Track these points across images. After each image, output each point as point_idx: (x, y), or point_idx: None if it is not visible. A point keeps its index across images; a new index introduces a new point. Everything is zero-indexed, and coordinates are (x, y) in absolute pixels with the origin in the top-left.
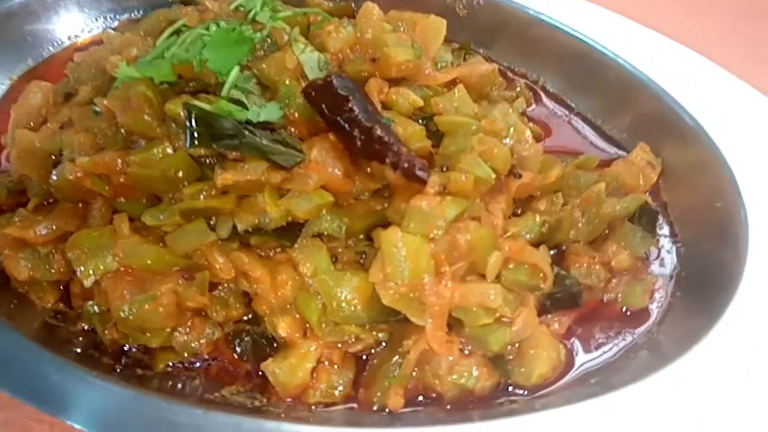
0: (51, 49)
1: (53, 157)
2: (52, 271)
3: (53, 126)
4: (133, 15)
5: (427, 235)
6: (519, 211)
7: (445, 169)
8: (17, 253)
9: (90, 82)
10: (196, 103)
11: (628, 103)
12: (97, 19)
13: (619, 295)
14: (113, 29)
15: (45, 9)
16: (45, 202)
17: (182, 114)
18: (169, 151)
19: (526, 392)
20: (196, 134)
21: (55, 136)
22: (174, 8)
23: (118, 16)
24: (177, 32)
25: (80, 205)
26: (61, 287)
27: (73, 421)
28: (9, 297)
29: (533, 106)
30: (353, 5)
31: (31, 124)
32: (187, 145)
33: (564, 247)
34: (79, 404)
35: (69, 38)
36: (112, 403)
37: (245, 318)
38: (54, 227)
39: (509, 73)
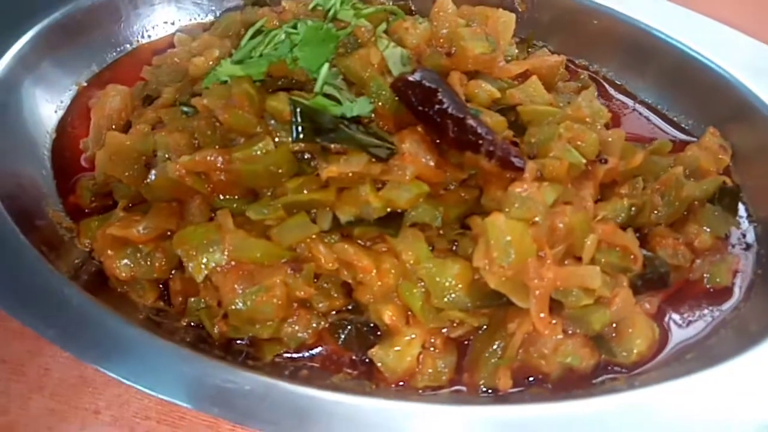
0: (114, 54)
1: (144, 158)
2: (154, 269)
3: (142, 127)
4: (193, 19)
5: (529, 220)
6: (600, 198)
7: (532, 156)
8: (119, 253)
9: (172, 84)
10: (299, 99)
11: (691, 89)
12: (155, 27)
13: (705, 275)
14: (181, 32)
15: (106, 14)
16: (131, 204)
17: (288, 109)
18: (272, 146)
19: (625, 370)
20: (300, 129)
21: (147, 138)
22: (247, 10)
23: (175, 23)
24: (257, 33)
25: (173, 204)
26: (160, 285)
27: (200, 408)
28: (109, 297)
29: (597, 96)
30: (410, 3)
31: (113, 126)
32: (293, 139)
33: (646, 231)
34: (203, 392)
35: (130, 43)
36: (237, 389)
37: (346, 308)
38: (155, 226)
39: (571, 65)
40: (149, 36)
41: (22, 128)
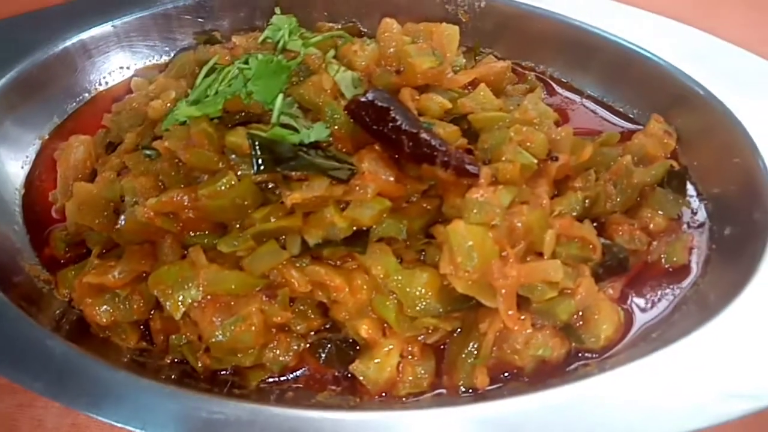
0: (74, 104)
1: (112, 204)
2: (133, 311)
3: (107, 175)
4: (148, 62)
5: (488, 224)
6: (556, 193)
7: (486, 162)
8: (98, 300)
9: (133, 129)
10: (257, 131)
11: (633, 80)
12: (111, 73)
13: (662, 255)
14: (137, 76)
15: (62, 67)
16: (104, 250)
17: (246, 143)
18: (235, 180)
19: (595, 355)
20: (260, 161)
21: (113, 184)
22: (199, 49)
23: (130, 67)
24: (211, 71)
25: (145, 246)
26: (141, 326)
27: None
28: (93, 343)
29: (545, 95)
30: (359, 24)
31: (79, 176)
32: (254, 171)
33: (603, 220)
34: (192, 426)
35: (88, 92)
36: (225, 419)
37: (324, 327)
38: (129, 269)
39: (518, 68)
40: (106, 83)
41: None
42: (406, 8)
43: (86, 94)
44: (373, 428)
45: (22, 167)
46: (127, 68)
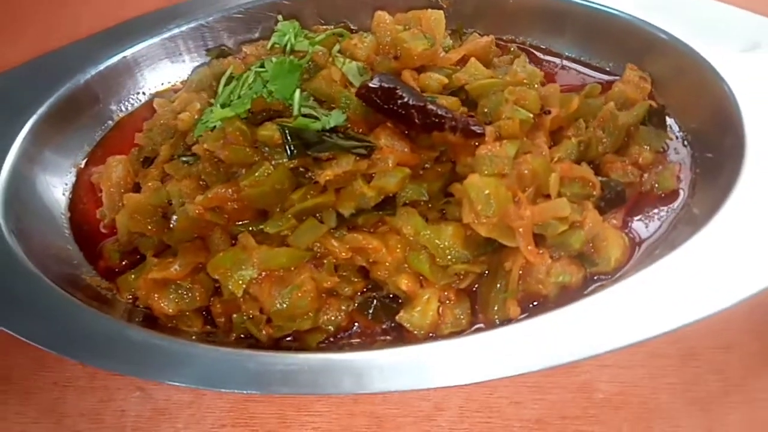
0: (100, 131)
1: (160, 210)
2: (195, 299)
3: (153, 184)
4: (161, 84)
5: (499, 174)
6: (553, 143)
7: (487, 123)
8: (163, 293)
9: (166, 142)
10: (285, 123)
11: (605, 36)
12: (130, 99)
13: (654, 184)
14: (158, 97)
15: (86, 99)
16: (156, 253)
17: (276, 135)
18: (271, 169)
19: (609, 276)
20: (292, 147)
21: (159, 191)
22: (213, 63)
23: (146, 92)
24: (229, 80)
25: (196, 241)
26: (203, 312)
27: (271, 391)
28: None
29: (528, 62)
30: (349, 24)
31: (122, 191)
32: (288, 157)
33: (597, 162)
34: (270, 378)
35: (111, 119)
36: (299, 369)
37: (367, 288)
38: (187, 262)
39: (500, 42)
40: (127, 108)
41: (41, 215)
42: (391, 3)
43: (110, 121)
44: (427, 356)
45: (63, 194)
46: (143, 93)
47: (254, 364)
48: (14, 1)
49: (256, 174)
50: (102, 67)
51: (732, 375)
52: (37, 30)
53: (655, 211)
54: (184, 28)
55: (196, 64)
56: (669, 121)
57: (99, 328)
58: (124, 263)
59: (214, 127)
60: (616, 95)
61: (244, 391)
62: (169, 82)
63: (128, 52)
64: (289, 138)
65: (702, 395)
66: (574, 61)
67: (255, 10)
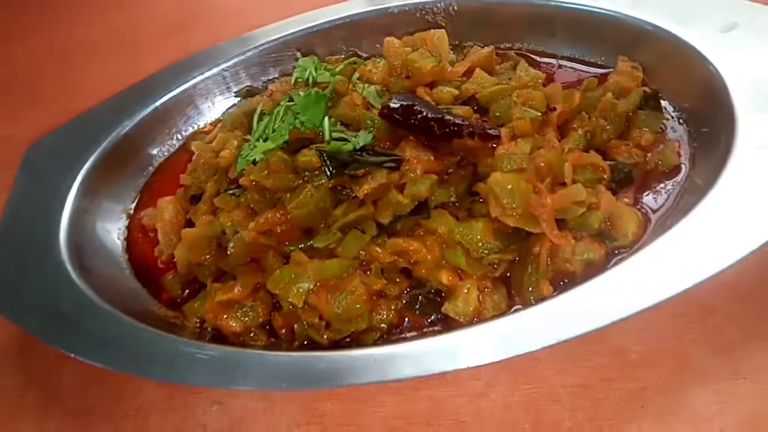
0: (143, 177)
1: (215, 240)
2: (258, 315)
3: (205, 218)
4: (191, 128)
5: (518, 169)
6: (561, 136)
7: (501, 125)
8: (230, 313)
9: (210, 179)
10: (320, 147)
11: (594, 33)
12: (165, 144)
13: (657, 162)
14: (194, 140)
15: (128, 150)
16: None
17: (314, 159)
18: (314, 191)
19: (628, 249)
20: (331, 168)
21: (212, 224)
22: (242, 102)
23: (180, 137)
24: (261, 116)
25: (251, 264)
26: (266, 327)
27: (340, 384)
28: None
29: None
30: (359, 52)
31: (175, 228)
32: (329, 177)
33: (603, 148)
34: (339, 374)
35: (152, 165)
36: (365, 363)
37: (410, 287)
38: (246, 283)
39: (499, 51)
40: (164, 153)
41: (104, 256)
42: (393, 26)
43: (150, 167)
44: (475, 338)
45: (118, 238)
46: (178, 138)
47: (324, 363)
48: (38, 69)
49: (301, 196)
50: (137, 118)
51: (749, 323)
52: (63, 94)
53: (662, 185)
54: (205, 75)
55: (222, 106)
56: (663, 103)
57: (173, 348)
58: (185, 293)
59: (254, 160)
60: (612, 86)
61: (320, 388)
62: (198, 125)
63: (159, 104)
64: (327, 161)
65: (724, 345)
66: (568, 59)
67: (270, 50)
